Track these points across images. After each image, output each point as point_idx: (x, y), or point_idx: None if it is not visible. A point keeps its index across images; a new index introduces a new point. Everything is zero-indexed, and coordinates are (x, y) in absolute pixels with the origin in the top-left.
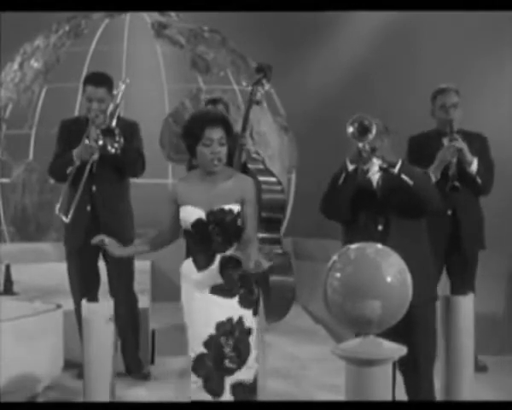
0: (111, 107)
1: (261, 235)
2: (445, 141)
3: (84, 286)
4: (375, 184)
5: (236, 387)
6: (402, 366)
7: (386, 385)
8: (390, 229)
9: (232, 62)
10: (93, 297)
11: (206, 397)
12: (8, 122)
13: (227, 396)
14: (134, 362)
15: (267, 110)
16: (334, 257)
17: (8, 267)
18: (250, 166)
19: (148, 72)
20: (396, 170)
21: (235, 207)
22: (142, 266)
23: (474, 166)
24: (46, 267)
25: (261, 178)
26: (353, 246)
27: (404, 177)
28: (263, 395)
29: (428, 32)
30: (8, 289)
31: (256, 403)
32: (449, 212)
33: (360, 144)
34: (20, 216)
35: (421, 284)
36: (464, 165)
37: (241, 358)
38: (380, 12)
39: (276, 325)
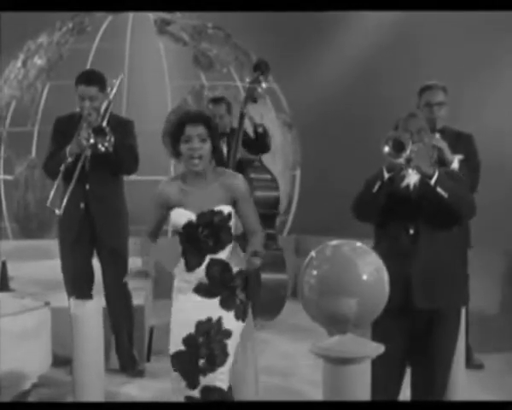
0: (104, 104)
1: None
2: None
3: (77, 282)
4: (411, 187)
5: (206, 391)
6: (415, 366)
7: (364, 384)
8: (421, 233)
9: (236, 59)
10: (86, 294)
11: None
12: (11, 119)
13: (196, 394)
14: (128, 359)
15: (270, 107)
16: (312, 254)
17: (4, 264)
18: (246, 162)
19: (150, 68)
20: (432, 182)
21: (226, 209)
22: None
23: (454, 165)
24: (47, 264)
25: (255, 176)
26: (331, 243)
27: (439, 190)
28: (260, 393)
29: (434, 30)
30: (5, 286)
31: (255, 403)
32: None
33: (399, 160)
34: (23, 213)
35: (447, 290)
36: (445, 164)
37: (214, 359)
38: (387, 11)
39: (274, 322)
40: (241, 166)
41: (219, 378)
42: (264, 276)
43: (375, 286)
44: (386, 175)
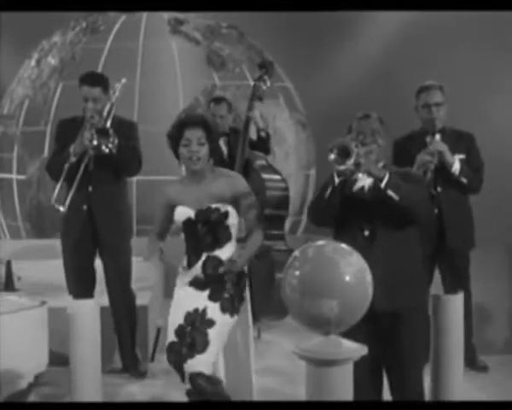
0: (107, 106)
1: (265, 232)
2: (428, 139)
3: (79, 284)
4: (366, 189)
5: (191, 378)
6: (388, 370)
7: (346, 385)
8: (377, 234)
9: (249, 58)
10: (88, 294)
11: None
12: (24, 119)
13: (187, 384)
14: (130, 359)
15: (284, 107)
16: (295, 253)
17: (9, 263)
18: (253, 162)
19: (163, 68)
20: (382, 185)
21: (223, 207)
22: (150, 263)
23: (455, 166)
24: (58, 264)
25: (264, 176)
26: (314, 244)
27: (389, 192)
28: (262, 393)
29: (452, 31)
30: (9, 286)
31: (256, 403)
32: (435, 210)
33: (343, 167)
34: (35, 212)
35: (407, 291)
36: (446, 166)
37: (194, 346)
38: (402, 12)
39: (279, 322)
40: (248, 166)
41: (200, 366)
42: (280, 276)
43: (357, 287)
44: (337, 180)
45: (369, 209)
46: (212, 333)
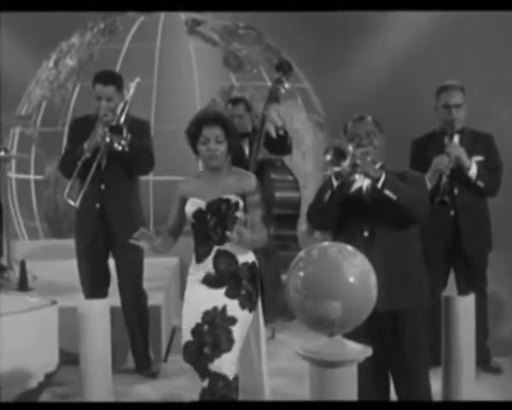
0: (121, 104)
1: (276, 232)
2: (445, 141)
3: (93, 283)
4: (364, 189)
5: (214, 376)
6: (392, 371)
7: (351, 387)
8: (376, 234)
9: (267, 59)
10: (103, 294)
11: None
12: (42, 119)
13: (205, 384)
14: (142, 359)
15: (301, 107)
16: (301, 254)
17: (23, 264)
18: (268, 163)
19: (180, 69)
20: (379, 185)
21: (233, 198)
22: (165, 263)
23: (472, 170)
24: (73, 264)
25: (276, 176)
26: (319, 245)
27: (387, 192)
28: (275, 394)
29: (473, 32)
30: (23, 285)
31: (260, 403)
32: (451, 213)
33: (338, 169)
34: (53, 213)
35: (408, 291)
36: (463, 169)
37: (219, 345)
38: (421, 12)
39: (293, 323)
40: (263, 167)
41: (226, 366)
42: (284, 276)
43: (361, 289)
44: (335, 183)
45: (368, 210)
46: (235, 331)
